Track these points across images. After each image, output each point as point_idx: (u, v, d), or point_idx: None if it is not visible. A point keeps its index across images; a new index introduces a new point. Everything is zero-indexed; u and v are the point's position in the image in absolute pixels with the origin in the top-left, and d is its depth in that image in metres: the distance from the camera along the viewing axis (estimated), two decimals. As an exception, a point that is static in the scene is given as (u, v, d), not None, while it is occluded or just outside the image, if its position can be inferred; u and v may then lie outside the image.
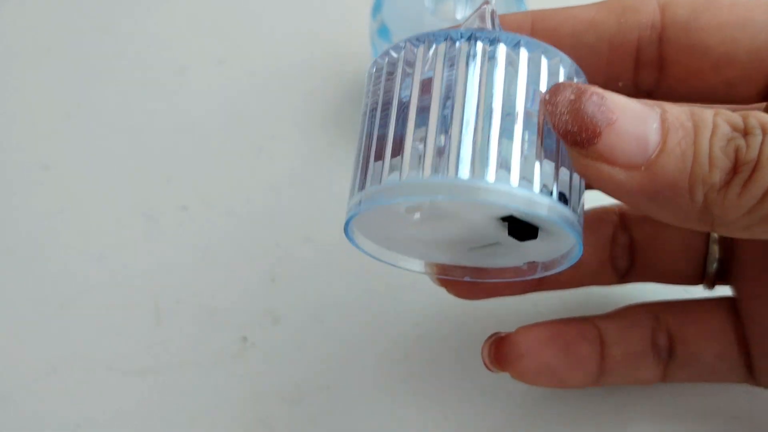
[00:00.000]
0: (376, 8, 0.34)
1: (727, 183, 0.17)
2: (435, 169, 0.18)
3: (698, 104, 0.18)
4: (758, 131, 0.17)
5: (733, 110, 0.19)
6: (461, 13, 0.33)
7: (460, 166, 0.18)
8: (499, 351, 0.24)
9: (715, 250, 0.26)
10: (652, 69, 0.22)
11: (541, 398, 0.28)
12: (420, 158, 0.18)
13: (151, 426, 0.27)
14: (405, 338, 0.29)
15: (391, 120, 0.19)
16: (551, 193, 0.18)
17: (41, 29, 0.42)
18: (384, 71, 0.20)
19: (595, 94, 0.17)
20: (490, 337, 0.25)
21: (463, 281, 0.24)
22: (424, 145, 0.18)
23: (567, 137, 0.18)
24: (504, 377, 0.25)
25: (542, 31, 0.21)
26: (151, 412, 0.27)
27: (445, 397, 0.28)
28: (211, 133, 0.37)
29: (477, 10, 0.20)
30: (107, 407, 0.27)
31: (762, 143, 0.17)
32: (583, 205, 0.20)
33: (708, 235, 0.26)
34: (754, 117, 0.17)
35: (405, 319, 0.29)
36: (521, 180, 0.18)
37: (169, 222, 0.33)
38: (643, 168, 0.17)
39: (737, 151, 0.17)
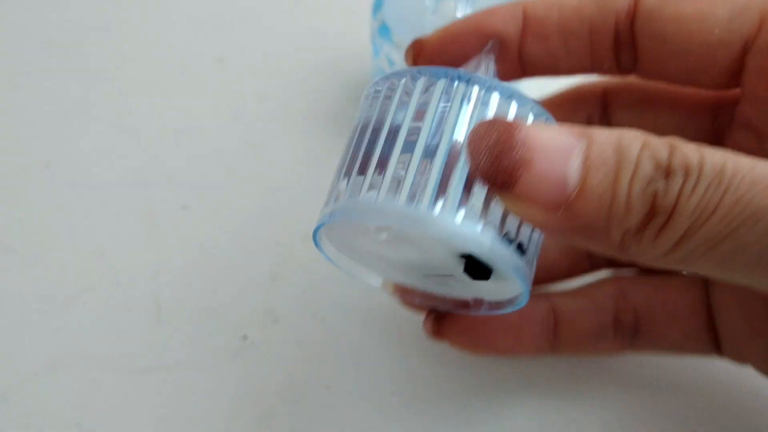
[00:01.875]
0: (377, 7, 0.34)
1: (643, 227, 0.17)
2: (411, 198, 0.19)
3: (628, 129, 0.18)
4: (680, 173, 0.17)
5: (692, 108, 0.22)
6: (462, 12, 0.33)
7: (433, 202, 0.18)
8: (440, 324, 0.25)
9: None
10: (629, 52, 0.23)
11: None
12: (399, 183, 0.19)
13: (151, 424, 0.27)
14: (405, 337, 0.29)
15: (380, 140, 0.20)
16: (511, 242, 0.19)
17: (41, 29, 0.42)
18: (382, 94, 0.20)
19: (516, 133, 0.17)
20: (431, 311, 0.25)
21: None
22: (405, 172, 0.19)
23: (486, 180, 0.17)
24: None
25: (532, 19, 0.22)
26: (152, 411, 0.27)
27: (445, 396, 0.28)
28: (211, 133, 0.37)
29: (481, 54, 0.21)
30: (108, 406, 0.27)
31: (681, 188, 0.17)
32: (537, 255, 0.21)
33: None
34: (680, 155, 0.17)
35: (404, 318, 0.29)
36: (486, 225, 0.19)
37: (170, 221, 0.33)
38: (562, 209, 0.17)
39: (655, 195, 0.17)
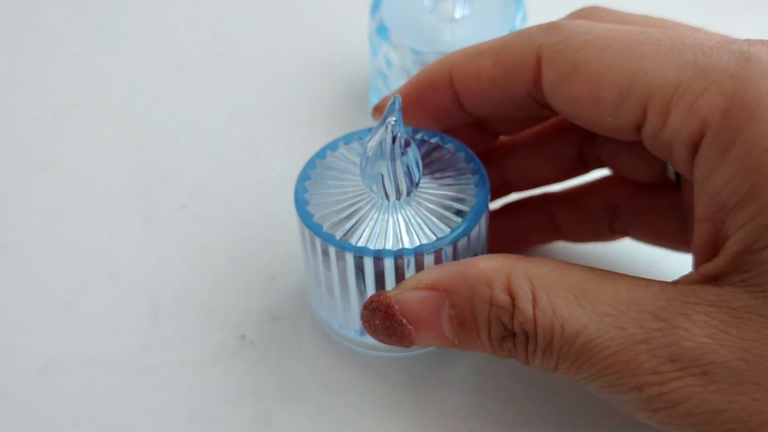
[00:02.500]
0: (375, 6, 0.34)
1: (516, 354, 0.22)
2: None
3: (485, 268, 0.22)
4: (521, 337, 0.21)
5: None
6: (460, 12, 0.33)
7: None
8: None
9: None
10: (547, 107, 0.24)
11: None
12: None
13: (149, 424, 0.27)
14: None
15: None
16: None
17: (41, 29, 0.42)
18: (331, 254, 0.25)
19: (395, 313, 0.23)
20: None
21: None
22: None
23: (390, 343, 0.23)
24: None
25: (458, 82, 0.25)
26: (150, 410, 0.27)
27: (442, 395, 0.28)
28: (209, 132, 0.37)
29: (381, 128, 0.23)
30: (106, 405, 0.27)
31: (526, 349, 0.21)
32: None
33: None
34: (518, 317, 0.21)
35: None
36: None
37: (168, 220, 0.33)
38: (456, 342, 0.23)
39: (510, 350, 0.22)
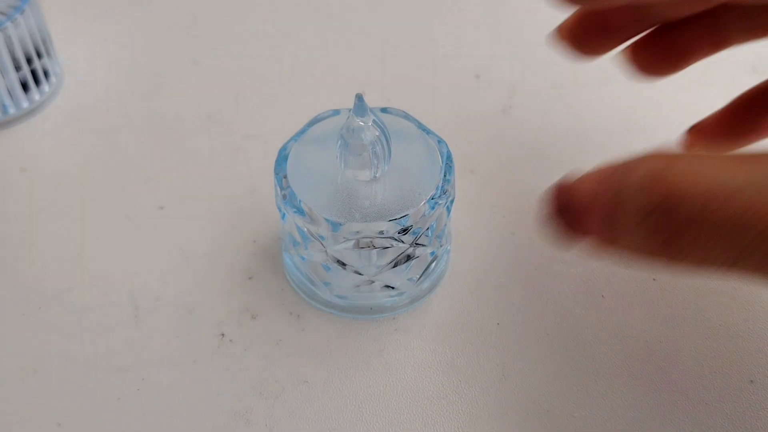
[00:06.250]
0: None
1: None
2: None
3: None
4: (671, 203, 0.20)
5: None
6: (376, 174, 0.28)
7: None
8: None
9: None
10: None
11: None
12: None
13: (130, 423, 0.27)
14: (382, 332, 0.30)
15: None
16: None
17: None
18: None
19: (573, 194, 0.22)
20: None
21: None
22: None
23: (561, 228, 0.23)
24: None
25: None
26: (131, 409, 0.28)
27: (420, 389, 0.28)
28: (186, 134, 0.37)
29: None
30: (87, 405, 0.28)
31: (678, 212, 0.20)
32: None
33: None
34: (671, 178, 0.19)
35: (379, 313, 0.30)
36: None
37: (147, 221, 0.33)
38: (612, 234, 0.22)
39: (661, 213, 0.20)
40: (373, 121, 0.26)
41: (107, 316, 0.30)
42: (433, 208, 0.26)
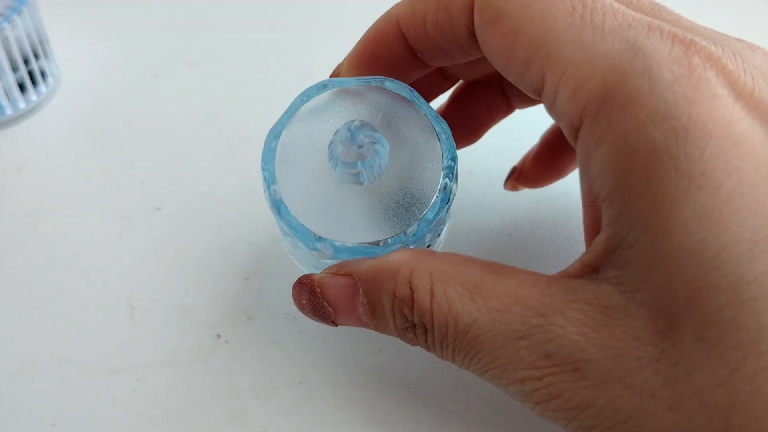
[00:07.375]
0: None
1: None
2: None
3: (390, 261, 0.23)
4: (420, 328, 0.22)
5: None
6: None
7: None
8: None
9: None
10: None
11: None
12: None
13: (125, 423, 0.27)
14: (375, 332, 0.30)
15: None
16: None
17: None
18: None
19: (318, 295, 0.24)
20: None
21: None
22: None
23: (317, 321, 0.25)
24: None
25: (407, 31, 0.25)
26: (126, 410, 0.28)
27: (418, 390, 0.28)
28: (184, 135, 0.37)
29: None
30: (82, 405, 0.28)
31: (425, 340, 0.22)
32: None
33: None
34: (417, 309, 0.22)
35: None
36: None
37: (143, 222, 0.33)
38: (372, 326, 0.24)
39: (413, 336, 0.23)
40: (369, 142, 0.24)
41: (103, 316, 0.30)
42: (428, 228, 0.25)
